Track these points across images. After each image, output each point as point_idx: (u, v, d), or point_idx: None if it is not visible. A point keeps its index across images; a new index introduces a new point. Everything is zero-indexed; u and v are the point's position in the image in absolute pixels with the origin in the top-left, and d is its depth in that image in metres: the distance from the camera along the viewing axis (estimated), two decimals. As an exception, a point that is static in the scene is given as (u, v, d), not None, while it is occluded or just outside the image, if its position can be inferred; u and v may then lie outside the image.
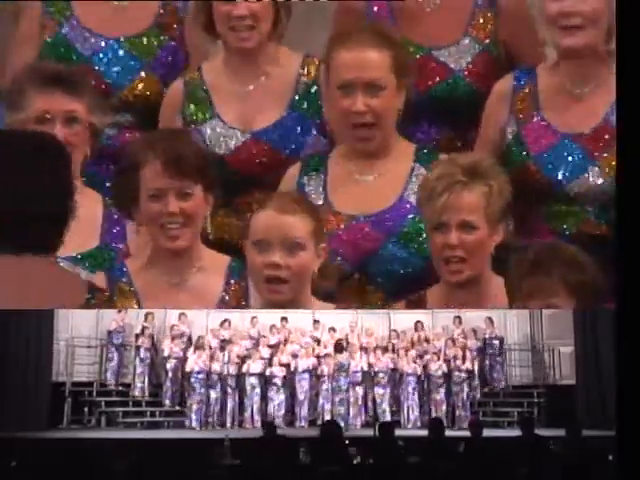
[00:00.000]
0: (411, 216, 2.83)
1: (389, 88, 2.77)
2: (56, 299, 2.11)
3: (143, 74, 3.21)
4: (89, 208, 2.60)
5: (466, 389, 10.19)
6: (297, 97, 3.01)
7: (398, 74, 2.79)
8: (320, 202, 2.83)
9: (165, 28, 3.25)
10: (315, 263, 2.58)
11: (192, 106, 3.05)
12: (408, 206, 2.84)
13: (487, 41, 3.13)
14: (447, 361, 10.35)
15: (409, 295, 2.81)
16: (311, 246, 2.56)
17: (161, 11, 3.25)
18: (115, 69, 3.18)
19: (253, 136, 3.02)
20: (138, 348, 10.38)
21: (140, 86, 3.22)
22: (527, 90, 3.01)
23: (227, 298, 2.71)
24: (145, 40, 3.21)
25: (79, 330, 10.57)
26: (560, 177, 2.97)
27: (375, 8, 3.19)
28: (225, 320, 10.62)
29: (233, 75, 3.03)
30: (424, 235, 2.80)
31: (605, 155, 2.97)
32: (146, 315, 10.43)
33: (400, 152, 2.86)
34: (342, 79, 2.76)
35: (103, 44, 3.18)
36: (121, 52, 3.16)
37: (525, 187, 2.85)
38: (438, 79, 3.13)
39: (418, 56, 3.16)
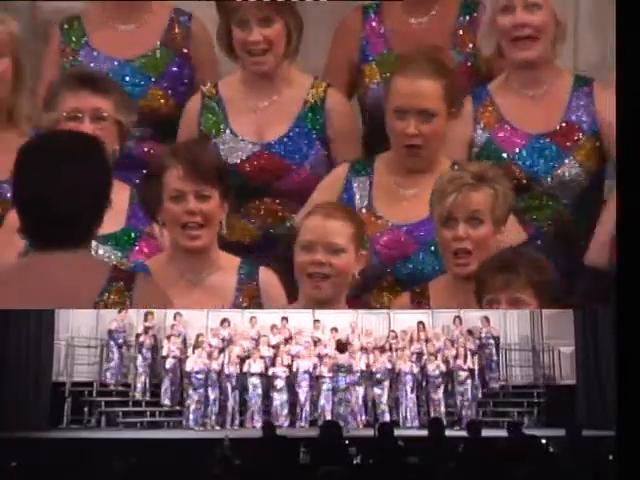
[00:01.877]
0: None
1: (439, 115, 3.07)
2: (80, 286, 2.29)
3: (152, 89, 3.55)
4: (116, 195, 2.75)
5: (467, 388, 10.19)
6: (304, 114, 3.36)
7: (448, 103, 3.09)
8: (365, 204, 3.14)
9: (171, 45, 3.58)
10: (355, 267, 2.86)
11: (209, 117, 3.39)
12: None
13: (468, 51, 3.48)
14: (446, 361, 10.35)
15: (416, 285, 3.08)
16: (351, 250, 2.84)
17: (167, 28, 3.59)
18: (127, 87, 3.45)
19: (263, 148, 3.36)
20: (140, 348, 10.39)
21: (150, 100, 3.54)
22: (486, 105, 3.34)
23: (240, 298, 2.96)
24: (153, 58, 3.55)
25: (79, 330, 10.57)
26: (538, 171, 3.26)
27: (370, 25, 3.58)
28: (225, 320, 10.62)
29: (248, 92, 3.37)
30: None
31: (575, 148, 3.27)
32: (146, 315, 10.43)
33: (440, 170, 3.11)
34: (398, 104, 3.07)
35: (115, 64, 3.53)
36: (131, 70, 3.53)
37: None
38: None
39: None
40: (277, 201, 3.38)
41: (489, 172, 2.96)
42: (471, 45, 3.42)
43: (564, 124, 3.34)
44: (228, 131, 3.40)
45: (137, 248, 3.14)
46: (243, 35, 3.27)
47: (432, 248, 3.09)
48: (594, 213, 3.32)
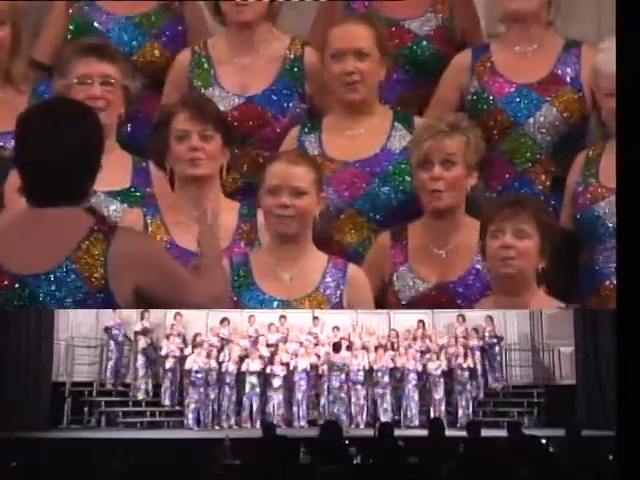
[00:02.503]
0: (393, 161, 3.50)
1: (373, 57, 3.47)
2: (62, 237, 2.47)
3: (149, 44, 3.91)
4: (121, 157, 3.30)
5: (469, 388, 10.20)
6: (284, 70, 3.72)
7: (381, 50, 3.49)
8: (316, 152, 3.48)
9: (168, 7, 3.96)
10: (316, 208, 3.14)
11: (198, 72, 3.74)
12: (390, 153, 3.51)
13: (445, 17, 3.91)
14: (448, 360, 10.35)
15: (395, 226, 3.43)
16: (313, 193, 3.12)
17: None
18: (125, 39, 3.87)
19: (246, 100, 3.70)
20: (139, 348, 10.38)
21: (147, 52, 3.91)
22: (484, 59, 3.74)
23: (241, 235, 3.31)
24: (151, 17, 3.93)
25: (79, 330, 10.57)
26: (520, 115, 3.63)
27: None
28: (224, 319, 10.62)
29: (234, 50, 3.74)
30: (404, 176, 3.48)
31: (554, 96, 3.64)
32: (142, 313, 10.42)
33: (381, 114, 3.55)
34: (335, 48, 3.46)
35: (116, 21, 3.90)
36: (131, 26, 3.90)
37: (489, 128, 3.54)
38: (407, 42, 3.86)
39: (393, 28, 3.88)
40: (257, 150, 3.69)
41: (463, 122, 3.32)
42: (448, 13, 3.89)
43: (549, 75, 3.69)
44: (216, 85, 3.74)
45: (144, 204, 3.47)
46: None
47: (386, 179, 3.46)
48: (573, 159, 3.63)
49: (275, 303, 3.11)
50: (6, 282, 2.46)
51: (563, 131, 3.62)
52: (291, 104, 3.70)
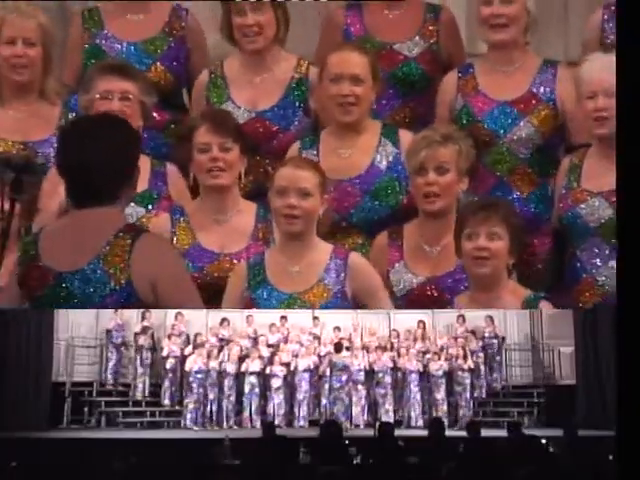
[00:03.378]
0: (380, 177, 3.86)
1: (366, 83, 3.82)
2: (93, 237, 2.73)
3: (154, 66, 4.29)
4: (141, 162, 3.38)
5: (469, 388, 10.20)
6: (290, 89, 4.11)
7: (374, 76, 3.85)
8: None
9: (170, 32, 4.34)
10: (320, 208, 3.44)
11: (215, 91, 4.16)
12: (378, 170, 3.86)
13: (432, 41, 4.31)
14: (448, 360, 10.36)
15: (392, 226, 3.77)
16: (317, 195, 3.42)
17: (168, 19, 4.36)
18: (133, 62, 4.19)
19: (256, 115, 4.10)
20: (139, 348, 10.40)
21: (152, 75, 4.24)
22: (469, 78, 4.11)
23: (258, 234, 3.67)
24: (156, 41, 4.32)
25: (79, 330, 10.57)
26: (500, 130, 4.01)
27: (350, 19, 4.38)
28: (224, 319, 10.63)
29: (246, 70, 4.15)
30: (390, 191, 3.86)
31: (531, 112, 4.00)
32: (143, 314, 10.44)
33: (371, 130, 3.89)
34: (333, 73, 3.82)
35: (125, 46, 4.32)
36: (137, 51, 4.31)
37: (474, 142, 3.78)
38: (398, 64, 4.25)
39: (384, 51, 4.29)
40: (266, 160, 4.07)
41: (455, 133, 3.65)
42: (434, 37, 4.31)
43: (526, 93, 4.05)
44: (229, 101, 4.15)
45: (160, 204, 3.82)
46: (240, 20, 4.03)
47: (376, 195, 3.83)
48: (548, 168, 4.04)
49: (283, 296, 3.38)
50: (50, 279, 2.72)
51: (539, 144, 4.00)
52: (296, 119, 4.10)
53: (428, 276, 3.56)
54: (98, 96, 3.72)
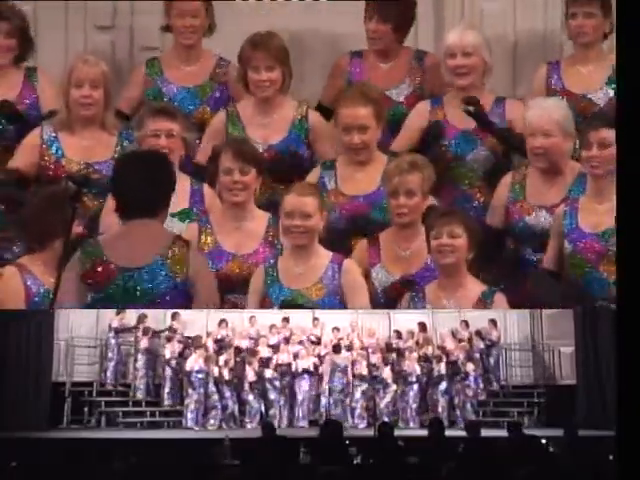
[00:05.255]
0: (384, 197, 4.62)
1: (372, 128, 4.71)
2: (146, 244, 3.57)
3: (201, 108, 5.33)
4: (182, 185, 4.40)
5: (469, 389, 10.20)
6: (293, 126, 5.08)
7: (377, 120, 4.72)
8: (333, 186, 4.79)
9: (217, 80, 5.39)
10: (320, 224, 4.27)
11: (232, 127, 5.10)
12: (383, 191, 4.64)
13: (417, 83, 5.32)
14: (449, 362, 10.35)
15: (370, 235, 4.61)
16: (317, 214, 4.24)
17: (215, 70, 5.40)
18: (185, 104, 5.31)
19: (268, 147, 5.01)
20: (139, 349, 10.39)
21: (199, 114, 5.29)
22: (438, 110, 5.11)
23: (268, 238, 4.45)
24: (205, 88, 5.38)
25: (79, 330, 10.57)
26: (460, 152, 4.99)
27: (352, 67, 5.39)
28: (223, 320, 10.63)
29: (257, 112, 5.10)
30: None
31: (486, 138, 4.96)
32: (141, 316, 10.44)
33: (378, 161, 4.78)
34: (344, 124, 4.74)
35: (179, 90, 5.39)
36: (188, 94, 5.38)
37: (440, 162, 4.79)
38: (389, 107, 5.11)
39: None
40: (274, 184, 4.94)
41: (419, 161, 4.46)
42: (419, 80, 5.31)
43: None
44: (245, 136, 5.01)
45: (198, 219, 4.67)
46: (257, 77, 4.99)
47: (379, 208, 4.68)
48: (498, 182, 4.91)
49: (290, 292, 4.20)
50: (113, 272, 3.49)
51: (492, 163, 4.99)
52: (299, 149, 5.04)
53: (401, 275, 4.39)
54: (149, 133, 4.61)
